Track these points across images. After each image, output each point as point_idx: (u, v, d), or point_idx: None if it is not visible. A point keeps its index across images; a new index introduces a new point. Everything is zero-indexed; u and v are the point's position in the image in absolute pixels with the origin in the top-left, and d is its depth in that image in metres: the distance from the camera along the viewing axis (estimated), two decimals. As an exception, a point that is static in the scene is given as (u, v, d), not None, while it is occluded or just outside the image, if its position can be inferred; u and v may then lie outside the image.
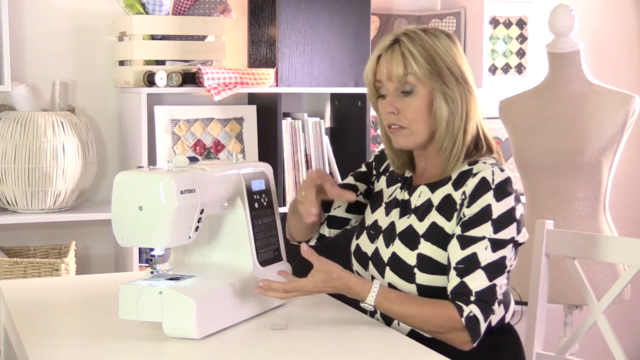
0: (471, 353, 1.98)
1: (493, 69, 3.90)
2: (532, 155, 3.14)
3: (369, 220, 2.18)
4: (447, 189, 2.04)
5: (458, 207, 2.00)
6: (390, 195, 2.17)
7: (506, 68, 3.92)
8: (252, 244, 2.07)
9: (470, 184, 1.99)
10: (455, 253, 1.97)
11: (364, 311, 2.14)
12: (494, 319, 2.04)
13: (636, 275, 2.23)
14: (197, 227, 1.93)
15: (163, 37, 3.35)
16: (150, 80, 3.27)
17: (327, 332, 1.98)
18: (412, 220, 2.06)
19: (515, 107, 3.23)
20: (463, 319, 1.92)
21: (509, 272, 2.00)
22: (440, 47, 2.04)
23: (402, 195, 2.12)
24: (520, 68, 3.93)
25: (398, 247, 2.05)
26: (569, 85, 3.13)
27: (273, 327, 1.96)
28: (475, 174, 2.00)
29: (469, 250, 1.95)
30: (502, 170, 2.00)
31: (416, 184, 2.12)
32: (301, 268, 2.28)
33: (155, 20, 3.31)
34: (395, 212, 2.12)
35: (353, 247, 2.18)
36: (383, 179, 2.23)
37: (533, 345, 2.38)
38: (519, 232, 2.00)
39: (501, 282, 1.96)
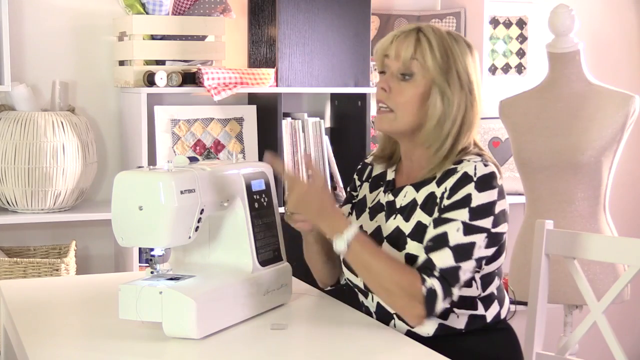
0: (469, 351, 1.98)
1: (493, 69, 3.90)
2: (532, 155, 3.14)
3: None
4: (431, 187, 2.04)
5: (438, 201, 2.01)
6: (374, 200, 2.17)
7: (506, 68, 3.92)
8: (252, 244, 2.07)
9: (452, 179, 2.00)
10: (428, 233, 1.98)
11: (363, 311, 2.14)
12: (489, 315, 2.05)
13: (636, 275, 2.23)
14: (197, 227, 1.93)
15: (163, 37, 3.35)
16: (150, 80, 3.27)
17: (327, 332, 1.98)
18: (398, 220, 2.07)
19: (515, 107, 3.23)
20: (424, 288, 1.92)
21: (478, 263, 1.98)
22: (457, 51, 2.05)
23: (387, 197, 2.13)
24: (520, 68, 3.93)
25: (386, 249, 2.05)
26: (569, 85, 3.13)
27: (273, 327, 1.96)
28: (458, 171, 2.01)
29: (440, 230, 1.96)
30: (485, 165, 2.00)
31: (400, 185, 2.13)
32: (301, 268, 2.28)
33: (155, 20, 3.31)
34: (381, 215, 2.12)
35: (342, 256, 2.18)
36: (366, 185, 2.23)
37: (533, 345, 2.38)
38: (494, 226, 1.98)
39: (467, 267, 1.95)
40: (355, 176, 2.29)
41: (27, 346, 1.82)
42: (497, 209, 1.99)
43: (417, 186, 2.07)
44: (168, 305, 1.84)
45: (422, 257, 1.96)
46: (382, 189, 2.17)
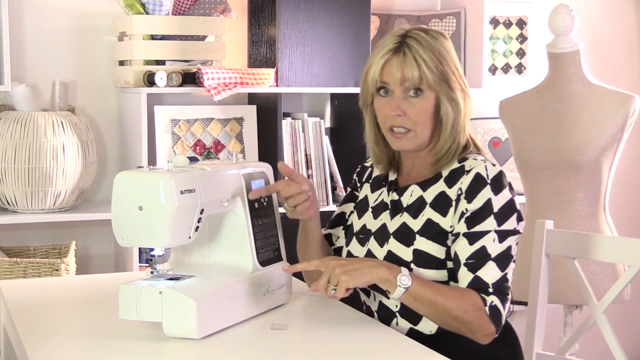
0: (470, 350, 1.99)
1: (493, 69, 3.90)
2: (532, 155, 3.14)
3: (357, 226, 2.19)
4: (440, 186, 2.06)
5: (454, 202, 2.02)
6: (377, 200, 2.18)
7: (506, 68, 3.92)
8: (252, 244, 2.07)
9: (465, 180, 2.02)
10: (464, 249, 1.98)
11: (364, 310, 2.14)
12: None
13: (636, 275, 2.23)
14: (197, 227, 1.93)
15: (163, 37, 3.35)
16: (150, 80, 3.27)
17: (327, 332, 1.98)
18: (405, 218, 2.08)
19: (515, 107, 3.23)
20: (487, 308, 1.94)
21: (514, 261, 2.02)
22: (444, 50, 2.06)
23: (391, 196, 2.13)
24: (520, 68, 3.93)
25: (393, 244, 2.06)
26: (569, 85, 3.13)
27: (273, 327, 1.96)
28: (468, 171, 2.03)
29: (477, 245, 1.98)
30: (493, 165, 2.04)
31: (403, 184, 2.14)
32: (301, 268, 2.28)
33: (155, 20, 3.31)
34: (386, 214, 2.13)
35: (344, 255, 2.19)
36: (366, 186, 2.24)
37: (533, 345, 2.38)
38: (519, 220, 2.02)
39: (510, 270, 2.00)
40: (355, 177, 2.30)
41: (27, 346, 1.82)
42: (514, 204, 2.02)
43: (423, 185, 2.09)
44: (168, 305, 1.84)
45: (468, 277, 1.97)
46: (384, 188, 2.17)
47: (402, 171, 2.17)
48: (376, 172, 2.22)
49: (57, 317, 2.09)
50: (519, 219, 2.03)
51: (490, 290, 1.96)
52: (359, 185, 2.28)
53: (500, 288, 1.97)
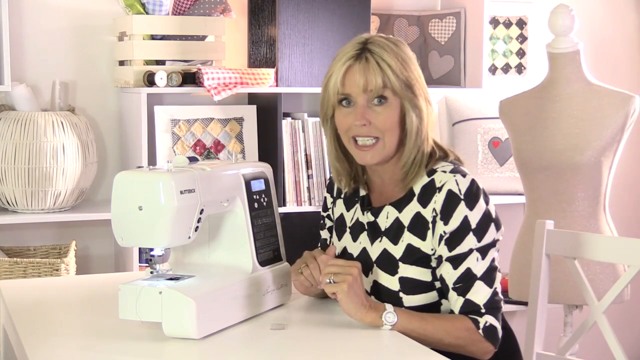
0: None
1: (493, 69, 3.90)
2: (532, 155, 3.14)
3: (338, 248, 2.16)
4: (414, 206, 2.02)
5: (430, 225, 2.00)
6: (352, 219, 2.14)
7: (506, 68, 3.92)
8: (251, 244, 2.07)
9: (439, 199, 1.98)
10: (449, 274, 1.97)
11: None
12: None
13: (636, 275, 2.23)
14: (197, 227, 1.93)
15: (163, 37, 3.35)
16: (150, 80, 3.27)
17: (327, 332, 1.98)
18: (385, 243, 2.05)
19: (515, 107, 3.23)
20: (481, 331, 1.94)
21: (499, 271, 2.03)
22: (406, 57, 2.02)
23: (367, 217, 2.10)
24: (520, 68, 3.93)
25: (378, 274, 2.05)
26: (569, 85, 3.13)
27: (272, 327, 1.96)
28: (440, 188, 1.99)
29: (462, 267, 1.97)
30: (463, 175, 2.00)
31: (377, 203, 2.10)
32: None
33: (155, 20, 3.31)
34: (364, 236, 2.10)
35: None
36: (340, 202, 2.20)
37: (533, 345, 2.38)
38: (498, 228, 2.00)
39: (498, 282, 2.00)
40: (327, 194, 2.25)
41: (27, 346, 1.82)
42: (492, 213, 2.00)
43: (397, 205, 2.05)
44: (168, 305, 1.84)
45: (459, 301, 1.97)
46: (357, 205, 2.14)
47: (373, 188, 2.12)
48: None
49: (57, 317, 2.09)
50: (497, 226, 2.00)
51: (483, 311, 1.96)
52: (331, 201, 2.23)
53: (492, 305, 1.97)
